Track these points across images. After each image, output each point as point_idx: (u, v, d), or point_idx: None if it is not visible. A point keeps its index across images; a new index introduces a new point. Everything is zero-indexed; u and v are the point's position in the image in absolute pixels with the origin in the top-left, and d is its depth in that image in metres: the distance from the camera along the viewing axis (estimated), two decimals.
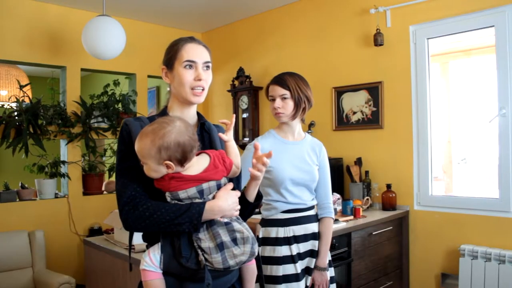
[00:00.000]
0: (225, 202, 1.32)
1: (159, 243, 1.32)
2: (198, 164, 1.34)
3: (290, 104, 2.07)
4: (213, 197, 1.33)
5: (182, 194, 1.30)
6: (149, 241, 1.42)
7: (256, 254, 1.35)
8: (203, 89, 1.46)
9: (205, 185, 1.31)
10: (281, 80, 2.10)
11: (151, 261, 1.30)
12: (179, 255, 1.27)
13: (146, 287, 1.31)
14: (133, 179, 1.35)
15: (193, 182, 1.31)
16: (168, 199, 1.31)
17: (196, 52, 1.45)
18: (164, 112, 1.50)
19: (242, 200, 1.45)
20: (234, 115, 1.52)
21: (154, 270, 1.30)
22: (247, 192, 1.47)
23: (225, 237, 1.28)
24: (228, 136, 1.42)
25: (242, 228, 1.33)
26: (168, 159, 1.28)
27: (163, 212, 1.27)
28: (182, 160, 1.29)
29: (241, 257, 1.29)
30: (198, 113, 1.56)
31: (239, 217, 1.39)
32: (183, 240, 1.29)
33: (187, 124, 1.35)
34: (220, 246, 1.26)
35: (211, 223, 1.29)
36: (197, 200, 1.30)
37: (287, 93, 2.07)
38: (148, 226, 1.29)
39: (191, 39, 1.49)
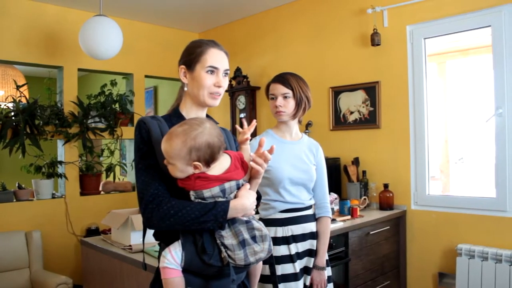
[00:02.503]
0: (247, 201, 1.35)
1: (179, 241, 1.32)
2: (220, 163, 1.36)
3: (291, 103, 2.09)
4: (235, 196, 1.36)
5: (207, 193, 1.31)
6: (163, 240, 1.43)
7: (272, 250, 1.38)
8: (219, 94, 1.50)
9: (227, 185, 1.33)
10: (283, 79, 2.11)
11: (173, 258, 1.30)
12: (203, 252, 1.29)
13: (166, 285, 1.31)
14: (154, 177, 1.36)
15: (216, 182, 1.33)
16: (192, 197, 1.32)
17: (219, 59, 1.48)
18: (177, 112, 1.52)
19: None
20: (255, 121, 1.54)
21: (176, 267, 1.30)
22: None
23: (246, 235, 1.31)
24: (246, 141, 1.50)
25: (260, 226, 1.36)
26: (197, 160, 1.29)
27: (188, 210, 1.29)
28: (210, 160, 1.32)
29: (260, 254, 1.32)
30: (207, 116, 1.58)
31: (254, 216, 1.41)
32: (205, 237, 1.30)
33: (215, 125, 1.37)
34: (242, 243, 1.29)
35: (232, 221, 1.32)
36: (220, 199, 1.32)
37: (289, 92, 2.08)
38: (172, 224, 1.30)
39: (215, 44, 1.52)
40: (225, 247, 1.28)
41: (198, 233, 1.31)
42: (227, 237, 1.29)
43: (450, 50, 4.03)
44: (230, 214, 1.31)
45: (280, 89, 2.09)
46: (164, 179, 1.36)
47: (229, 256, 1.27)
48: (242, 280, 1.47)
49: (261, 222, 1.39)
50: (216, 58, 1.47)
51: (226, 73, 1.51)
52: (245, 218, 1.34)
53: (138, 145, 1.41)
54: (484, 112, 3.31)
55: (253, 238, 1.32)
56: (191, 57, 1.49)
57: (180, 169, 1.30)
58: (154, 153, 1.38)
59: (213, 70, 1.46)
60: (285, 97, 2.09)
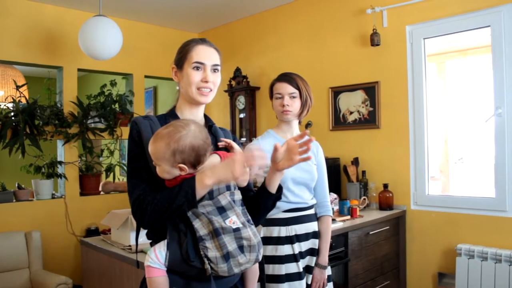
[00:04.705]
0: (219, 164, 1.27)
1: (165, 240, 1.32)
2: (209, 165, 1.34)
3: (297, 103, 2.10)
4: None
5: None
6: (153, 239, 1.42)
7: (260, 259, 1.35)
8: (210, 90, 1.47)
9: (214, 186, 1.31)
10: (290, 78, 2.11)
11: (157, 257, 1.30)
12: (186, 258, 1.27)
13: (150, 284, 1.31)
14: (142, 179, 1.36)
15: None
16: None
17: (205, 54, 1.47)
18: (172, 112, 1.51)
19: (264, 192, 1.45)
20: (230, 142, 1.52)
21: (159, 267, 1.30)
22: (269, 184, 1.45)
23: (231, 246, 1.27)
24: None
25: (250, 235, 1.31)
26: (182, 162, 1.28)
27: (160, 200, 1.28)
28: (196, 163, 1.30)
29: (246, 265, 1.30)
30: (205, 115, 1.57)
31: (250, 219, 1.37)
32: (190, 245, 1.28)
33: (202, 127, 1.35)
34: (227, 256, 1.25)
35: (217, 232, 1.26)
36: (206, 201, 1.29)
37: (296, 92, 2.09)
38: (155, 219, 1.29)
39: (202, 41, 1.50)
40: (208, 259, 1.25)
41: (183, 233, 1.29)
42: (211, 249, 1.25)
43: (450, 50, 4.04)
44: (200, 188, 1.25)
45: (288, 88, 2.09)
46: (154, 179, 1.36)
47: (211, 268, 1.26)
48: (235, 283, 1.44)
49: (253, 228, 1.35)
50: (202, 54, 1.46)
51: (216, 69, 1.49)
52: (234, 226, 1.29)
53: (129, 147, 1.42)
54: (484, 112, 3.31)
55: (240, 247, 1.28)
56: (180, 56, 1.49)
57: (166, 170, 1.30)
58: (144, 154, 1.37)
59: (199, 66, 1.45)
60: (292, 97, 2.09)
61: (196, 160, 1.30)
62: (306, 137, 1.37)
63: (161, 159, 1.29)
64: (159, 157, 1.29)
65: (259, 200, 1.45)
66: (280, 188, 1.48)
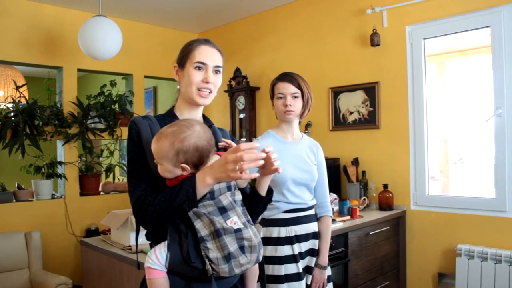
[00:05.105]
0: (215, 162, 1.26)
1: (166, 241, 1.31)
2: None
3: (299, 103, 2.10)
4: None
5: None
6: (153, 240, 1.42)
7: (261, 259, 1.35)
8: (210, 92, 1.47)
9: (216, 187, 1.30)
10: (292, 78, 2.11)
11: (157, 259, 1.29)
12: (187, 259, 1.27)
13: (150, 285, 1.31)
14: (142, 179, 1.36)
15: None
16: None
17: (208, 55, 1.46)
18: (171, 112, 1.51)
19: (255, 195, 1.45)
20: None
21: (159, 268, 1.29)
22: (258, 187, 1.46)
23: (233, 247, 1.26)
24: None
25: (251, 235, 1.31)
26: (185, 162, 1.28)
27: (161, 199, 1.27)
28: (198, 164, 1.30)
29: (247, 265, 1.30)
30: (204, 116, 1.57)
31: (250, 219, 1.36)
32: (191, 246, 1.27)
33: (206, 128, 1.35)
34: (228, 257, 1.25)
35: (219, 233, 1.26)
36: (207, 201, 1.29)
37: (298, 92, 2.09)
38: (156, 219, 1.28)
39: (206, 41, 1.50)
40: (210, 260, 1.25)
41: (184, 234, 1.29)
42: (213, 250, 1.25)
43: (450, 51, 4.04)
44: (201, 186, 1.25)
45: (290, 88, 2.09)
46: (154, 179, 1.35)
47: (212, 268, 1.25)
48: (235, 283, 1.44)
49: (253, 228, 1.35)
50: (204, 54, 1.46)
51: (217, 70, 1.49)
52: (235, 227, 1.29)
53: (128, 148, 1.41)
54: (484, 112, 3.32)
55: (241, 248, 1.28)
56: (182, 55, 1.49)
57: (168, 170, 1.29)
58: (143, 154, 1.37)
59: (201, 66, 1.45)
60: (294, 97, 2.09)
61: (199, 161, 1.30)
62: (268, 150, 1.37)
63: (164, 158, 1.28)
64: (162, 156, 1.28)
65: (251, 203, 1.45)
66: (270, 191, 1.48)
